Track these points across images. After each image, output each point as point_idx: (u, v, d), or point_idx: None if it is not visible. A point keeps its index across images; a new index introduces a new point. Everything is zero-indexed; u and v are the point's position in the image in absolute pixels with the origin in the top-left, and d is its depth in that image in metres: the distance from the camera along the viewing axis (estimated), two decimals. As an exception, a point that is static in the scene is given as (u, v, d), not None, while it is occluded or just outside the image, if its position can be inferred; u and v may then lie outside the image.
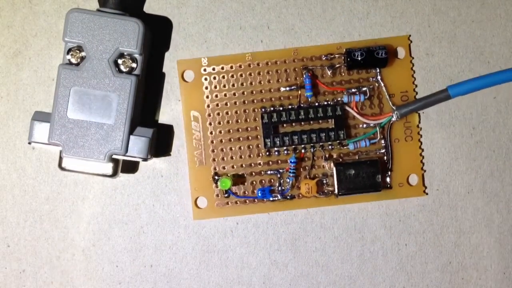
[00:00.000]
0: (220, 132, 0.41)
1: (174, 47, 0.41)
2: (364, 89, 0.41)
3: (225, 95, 0.41)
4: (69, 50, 0.38)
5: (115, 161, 0.39)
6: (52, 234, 0.41)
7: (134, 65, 0.38)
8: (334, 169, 0.40)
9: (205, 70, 0.41)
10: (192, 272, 0.41)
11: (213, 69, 0.41)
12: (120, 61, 0.38)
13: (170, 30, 0.41)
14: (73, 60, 0.38)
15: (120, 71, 0.38)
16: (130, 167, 0.41)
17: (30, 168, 0.41)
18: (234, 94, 0.41)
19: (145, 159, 0.38)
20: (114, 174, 0.39)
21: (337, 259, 0.41)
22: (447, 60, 0.42)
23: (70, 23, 0.38)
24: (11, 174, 0.41)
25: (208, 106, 0.41)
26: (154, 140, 0.39)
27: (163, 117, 0.41)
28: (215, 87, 0.41)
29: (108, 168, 0.38)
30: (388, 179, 0.41)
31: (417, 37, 0.41)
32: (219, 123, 0.41)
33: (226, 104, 0.41)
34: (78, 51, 0.38)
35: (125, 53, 0.38)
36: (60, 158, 0.38)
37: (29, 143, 0.38)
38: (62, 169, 0.38)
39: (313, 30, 0.41)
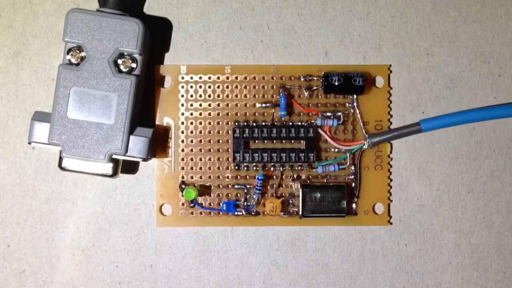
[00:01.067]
0: (191, 141, 0.40)
1: (174, 47, 0.41)
2: (339, 114, 0.40)
3: (200, 105, 0.40)
4: (69, 50, 0.38)
5: (115, 161, 0.38)
6: (52, 234, 0.41)
7: (134, 65, 0.38)
8: (301, 190, 0.40)
9: (183, 78, 0.40)
10: (192, 272, 0.41)
11: (191, 78, 0.40)
12: (120, 61, 0.38)
13: (170, 30, 0.41)
14: (73, 60, 0.38)
15: (120, 71, 0.38)
16: (130, 167, 0.41)
17: (30, 168, 0.41)
18: (209, 105, 0.40)
19: (145, 159, 0.38)
20: (114, 174, 0.39)
21: (337, 259, 0.41)
22: (447, 60, 0.42)
23: (70, 23, 0.38)
24: (11, 174, 0.41)
25: (182, 114, 0.40)
26: (154, 140, 0.39)
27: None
28: (191, 96, 0.40)
29: (108, 168, 0.38)
30: (354, 206, 0.41)
31: (417, 37, 0.41)
32: (192, 132, 0.40)
33: (200, 114, 0.40)
34: (78, 51, 0.38)
35: (125, 53, 0.38)
36: (60, 158, 0.38)
37: (29, 143, 0.38)
38: (62, 169, 0.38)
39: (313, 30, 0.41)
